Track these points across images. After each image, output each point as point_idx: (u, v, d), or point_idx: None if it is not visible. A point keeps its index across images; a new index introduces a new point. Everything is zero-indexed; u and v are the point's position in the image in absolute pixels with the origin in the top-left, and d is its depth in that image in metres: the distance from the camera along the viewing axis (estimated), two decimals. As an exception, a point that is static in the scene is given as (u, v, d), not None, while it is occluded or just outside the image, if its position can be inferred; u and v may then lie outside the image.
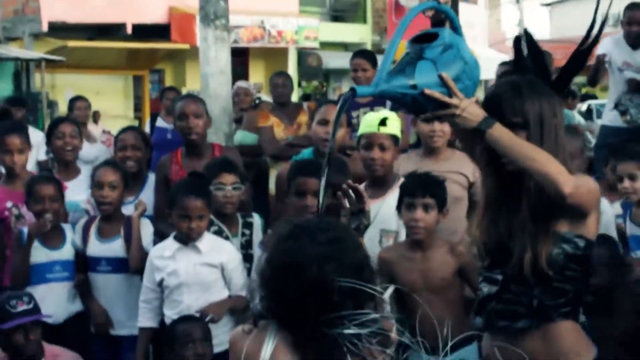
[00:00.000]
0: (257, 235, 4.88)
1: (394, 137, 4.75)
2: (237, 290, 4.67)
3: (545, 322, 3.07)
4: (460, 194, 4.99)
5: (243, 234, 4.87)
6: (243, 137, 7.12)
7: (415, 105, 3.09)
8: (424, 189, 4.31)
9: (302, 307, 2.46)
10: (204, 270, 4.58)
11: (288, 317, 2.53)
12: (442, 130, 5.11)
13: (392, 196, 4.72)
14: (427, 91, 2.96)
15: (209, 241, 4.62)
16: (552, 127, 3.08)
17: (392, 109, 6.00)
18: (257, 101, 8.39)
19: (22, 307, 4.50)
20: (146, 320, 4.64)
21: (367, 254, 2.59)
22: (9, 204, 5.36)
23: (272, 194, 5.79)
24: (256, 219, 4.97)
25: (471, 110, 2.97)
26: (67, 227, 5.27)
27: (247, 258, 4.77)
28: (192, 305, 4.53)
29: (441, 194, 4.37)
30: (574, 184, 2.89)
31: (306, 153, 5.33)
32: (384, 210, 4.70)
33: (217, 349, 4.40)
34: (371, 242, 4.66)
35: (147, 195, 5.51)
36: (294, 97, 15.16)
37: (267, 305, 2.57)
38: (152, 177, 5.65)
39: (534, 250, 3.02)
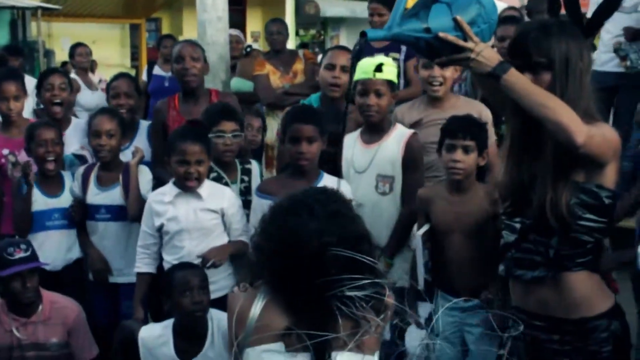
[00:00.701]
0: (255, 182, 4.84)
1: (390, 83, 4.71)
2: (237, 236, 4.64)
3: (561, 272, 3.06)
4: None
5: (242, 181, 4.83)
6: (238, 84, 7.06)
7: (429, 50, 3.04)
8: (464, 131, 4.30)
9: (299, 277, 2.52)
10: (204, 215, 4.55)
11: (284, 284, 2.59)
12: (442, 76, 5.06)
13: (388, 142, 4.75)
14: (442, 34, 2.92)
15: (209, 187, 4.58)
16: (578, 70, 3.02)
17: (408, 54, 5.96)
18: (247, 49, 8.34)
19: (19, 255, 4.50)
20: (144, 265, 4.61)
21: (365, 227, 2.62)
22: (5, 151, 5.33)
23: (267, 142, 5.74)
24: (254, 166, 4.94)
25: (486, 54, 2.92)
26: (66, 175, 5.25)
27: (246, 204, 4.72)
28: (193, 250, 4.50)
29: (482, 137, 4.36)
30: (587, 133, 2.83)
31: (313, 98, 5.27)
32: (380, 155, 4.73)
33: (217, 294, 4.40)
34: (367, 187, 4.72)
35: (141, 142, 5.48)
36: (292, 46, 15.05)
37: (263, 272, 2.65)
38: (144, 124, 5.63)
39: (554, 197, 2.98)
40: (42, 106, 5.95)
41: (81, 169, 5.20)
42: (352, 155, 4.81)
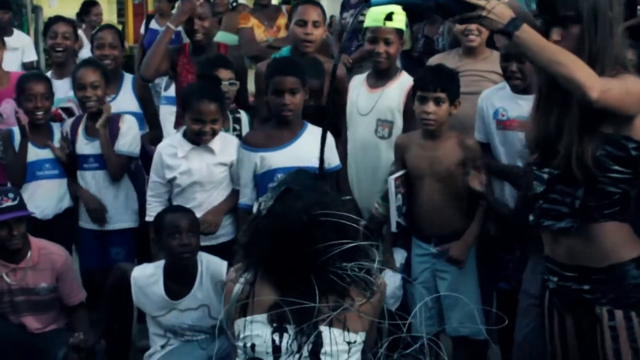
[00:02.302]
0: (245, 131, 4.90)
1: (398, 31, 4.78)
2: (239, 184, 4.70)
3: (587, 223, 3.01)
4: None
5: (234, 129, 4.88)
6: (223, 37, 7.04)
7: (439, 9, 2.96)
8: (435, 83, 4.35)
9: (289, 252, 2.69)
10: (216, 169, 4.61)
11: (274, 261, 2.76)
12: (477, 28, 4.99)
13: (392, 88, 4.85)
14: None
15: (220, 140, 4.62)
16: (607, 21, 2.93)
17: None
18: (234, 4, 8.34)
19: (6, 203, 4.56)
20: (156, 213, 4.58)
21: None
22: None
23: (251, 93, 5.75)
24: (243, 115, 4.99)
25: (498, 11, 2.83)
26: (55, 127, 5.28)
27: None
28: (204, 201, 4.58)
29: (453, 88, 4.40)
30: (602, 87, 2.77)
31: (284, 51, 5.29)
32: (382, 100, 4.83)
33: (220, 240, 4.59)
34: (367, 130, 4.85)
35: (127, 93, 5.53)
36: (275, 1, 14.96)
37: (255, 252, 2.83)
38: (128, 76, 5.67)
39: (580, 148, 2.92)
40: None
41: (70, 121, 5.23)
42: (357, 97, 4.91)
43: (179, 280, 4.29)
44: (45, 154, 5.17)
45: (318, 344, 2.76)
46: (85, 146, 5.12)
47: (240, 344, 2.86)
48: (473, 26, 4.90)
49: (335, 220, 2.63)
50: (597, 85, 2.76)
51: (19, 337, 4.68)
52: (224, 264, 4.28)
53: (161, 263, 4.33)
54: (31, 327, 4.72)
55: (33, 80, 5.16)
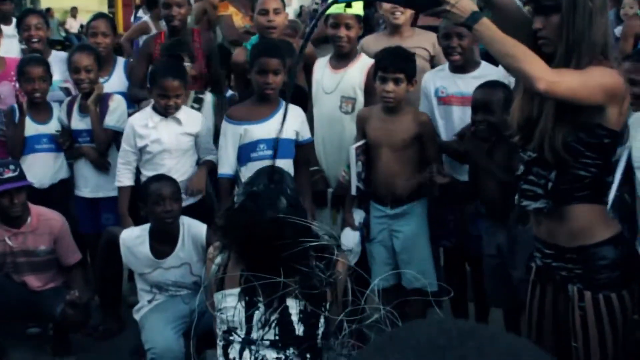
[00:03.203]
0: (207, 110, 5.21)
1: (357, 17, 5.07)
2: (206, 154, 5.08)
3: (560, 205, 3.01)
4: (423, 65, 5.26)
5: (192, 107, 5.19)
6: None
7: (409, 3, 3.10)
8: (394, 64, 4.65)
9: (258, 245, 2.89)
10: (183, 138, 4.96)
11: (246, 251, 2.97)
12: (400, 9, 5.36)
13: (353, 68, 5.15)
14: None
15: (185, 112, 4.98)
16: (586, 11, 2.88)
17: None
18: None
19: (8, 175, 4.85)
20: (126, 180, 4.97)
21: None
22: None
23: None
24: (208, 96, 5.28)
25: (461, 5, 2.85)
26: (54, 105, 5.55)
27: None
28: (172, 167, 4.91)
29: (410, 68, 4.71)
30: (552, 79, 2.76)
31: (253, 39, 5.60)
32: (345, 79, 5.13)
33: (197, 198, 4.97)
34: (332, 107, 5.16)
35: (119, 75, 5.83)
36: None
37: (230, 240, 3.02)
38: (120, 60, 5.98)
39: (552, 132, 2.92)
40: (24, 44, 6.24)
41: (67, 100, 5.53)
42: (322, 78, 5.22)
43: (163, 242, 4.59)
44: (44, 129, 5.47)
45: (286, 315, 2.95)
46: (79, 122, 5.44)
47: (218, 314, 3.09)
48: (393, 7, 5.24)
49: (294, 219, 2.80)
50: (546, 77, 2.75)
51: (21, 294, 4.95)
52: (203, 227, 4.62)
53: (147, 226, 4.63)
54: (32, 285, 5.00)
55: (32, 64, 5.43)
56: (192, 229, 4.63)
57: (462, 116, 4.80)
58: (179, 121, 4.91)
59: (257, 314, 2.88)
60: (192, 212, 4.78)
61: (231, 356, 2.83)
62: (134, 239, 4.65)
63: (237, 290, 2.98)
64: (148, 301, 4.70)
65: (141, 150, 4.93)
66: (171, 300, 4.67)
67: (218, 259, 3.09)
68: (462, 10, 2.85)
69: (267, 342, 2.80)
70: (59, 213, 5.15)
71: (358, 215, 4.88)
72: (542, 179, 3.02)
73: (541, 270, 3.17)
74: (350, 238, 4.83)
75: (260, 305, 2.90)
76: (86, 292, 4.92)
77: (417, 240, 4.80)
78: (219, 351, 2.86)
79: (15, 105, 5.43)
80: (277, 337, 2.82)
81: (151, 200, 4.53)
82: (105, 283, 5.04)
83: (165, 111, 4.87)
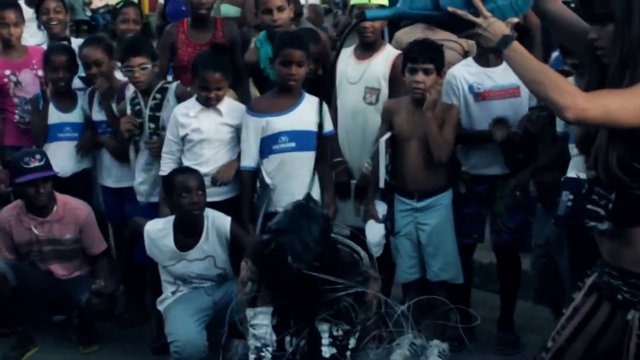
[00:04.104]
0: (172, 98, 5.04)
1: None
2: None
3: (622, 227, 2.80)
4: (455, 59, 5.19)
5: (154, 98, 5.04)
6: (226, 10, 7.22)
7: (441, 23, 2.98)
8: (424, 55, 4.59)
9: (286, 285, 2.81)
10: (223, 129, 4.85)
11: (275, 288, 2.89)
12: None
13: (378, 58, 5.06)
14: (451, 9, 2.80)
15: (228, 104, 4.88)
16: None
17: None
18: None
19: (34, 164, 4.84)
20: (168, 169, 4.83)
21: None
22: (7, 72, 5.60)
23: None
24: (172, 86, 5.11)
25: (492, 29, 2.76)
26: (80, 94, 5.49)
27: (154, 119, 5.02)
28: (211, 157, 4.82)
29: (439, 59, 4.65)
30: (581, 106, 2.61)
31: (261, 35, 5.51)
32: (370, 70, 5.04)
33: (226, 196, 4.83)
34: (356, 97, 5.08)
35: None
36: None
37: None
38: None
39: (605, 151, 2.73)
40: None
41: (88, 90, 5.46)
42: (346, 68, 5.13)
43: (187, 234, 4.57)
44: (67, 117, 5.42)
45: (316, 338, 2.92)
46: (98, 114, 5.38)
47: (251, 329, 3.06)
48: None
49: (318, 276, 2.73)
50: (575, 105, 2.62)
51: (47, 282, 4.97)
52: (227, 219, 4.59)
53: (171, 218, 4.60)
54: (57, 273, 5.01)
55: (57, 53, 5.37)
56: (217, 221, 4.60)
57: (503, 110, 4.73)
58: (219, 112, 4.82)
59: (288, 337, 2.86)
60: (224, 208, 4.72)
61: None
62: (158, 231, 4.62)
63: (269, 310, 2.96)
64: (172, 293, 4.68)
65: (183, 140, 4.85)
66: (195, 292, 4.66)
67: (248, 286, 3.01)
68: (493, 33, 2.76)
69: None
70: (85, 202, 5.13)
71: (381, 208, 4.82)
72: (604, 199, 2.83)
73: (600, 286, 2.97)
74: (374, 230, 4.77)
75: (291, 328, 2.88)
76: (111, 281, 4.91)
77: (443, 233, 4.75)
78: None
79: (40, 93, 5.38)
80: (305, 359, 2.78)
81: (177, 192, 4.49)
82: (129, 273, 5.01)
83: (207, 103, 4.78)
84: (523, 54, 2.73)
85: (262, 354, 2.82)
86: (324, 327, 2.86)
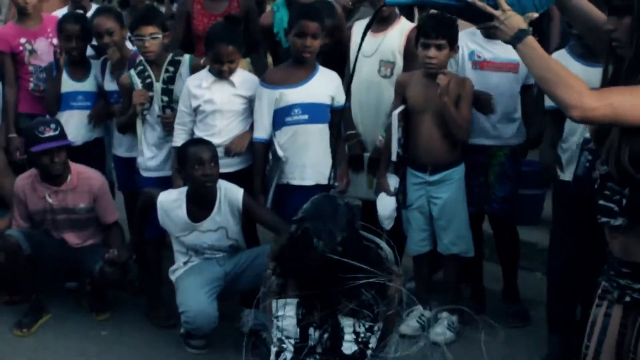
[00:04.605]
0: (184, 71, 5.02)
1: None
2: None
3: (637, 223, 2.71)
4: None
5: (167, 70, 5.01)
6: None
7: (460, 13, 2.97)
8: (437, 31, 4.55)
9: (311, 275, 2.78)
10: (236, 100, 4.82)
11: (299, 278, 2.87)
12: None
13: (393, 31, 5.04)
14: (470, 0, 2.78)
15: (241, 76, 4.85)
16: None
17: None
18: None
19: (48, 133, 4.83)
20: (181, 140, 4.83)
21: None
22: (22, 40, 5.58)
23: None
24: (185, 58, 5.10)
25: (509, 22, 2.72)
26: (94, 63, 5.47)
27: (166, 92, 4.99)
28: (224, 128, 4.80)
29: (452, 34, 4.61)
30: (588, 105, 2.55)
31: (279, 1, 5.48)
32: (385, 43, 5.02)
33: (238, 167, 4.82)
34: (371, 70, 5.06)
35: None
36: None
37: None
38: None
39: (617, 145, 2.65)
40: None
41: (100, 60, 5.44)
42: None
43: (200, 205, 4.58)
44: (80, 86, 5.41)
45: (339, 333, 2.87)
46: (110, 83, 5.35)
47: (275, 321, 2.99)
48: None
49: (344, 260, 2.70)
50: (581, 104, 2.56)
51: (61, 250, 5.00)
52: (240, 191, 4.59)
53: (184, 189, 4.61)
54: (71, 242, 5.03)
55: (71, 22, 5.34)
56: (229, 193, 4.61)
57: (498, 83, 4.72)
58: (232, 83, 4.80)
59: (312, 329, 2.83)
60: (236, 179, 4.71)
61: None
62: (171, 202, 4.63)
63: (294, 301, 2.92)
64: (184, 263, 4.72)
65: (195, 111, 4.83)
66: (206, 263, 4.69)
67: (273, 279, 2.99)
68: (509, 27, 2.71)
69: (318, 357, 2.75)
70: (99, 172, 5.15)
71: (393, 181, 4.81)
72: (617, 194, 2.74)
73: (609, 290, 2.87)
74: (386, 203, 4.77)
75: (315, 320, 2.84)
76: (124, 250, 4.92)
77: (455, 206, 4.75)
78: (272, 357, 2.82)
79: (54, 62, 5.36)
80: (327, 354, 2.77)
81: (190, 164, 4.49)
82: (142, 242, 5.00)
83: (219, 75, 4.76)
84: (536, 50, 2.68)
85: (284, 345, 2.81)
86: (347, 322, 2.84)
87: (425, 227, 4.80)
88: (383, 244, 2.83)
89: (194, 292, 4.51)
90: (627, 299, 2.75)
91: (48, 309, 5.09)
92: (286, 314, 2.87)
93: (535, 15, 2.79)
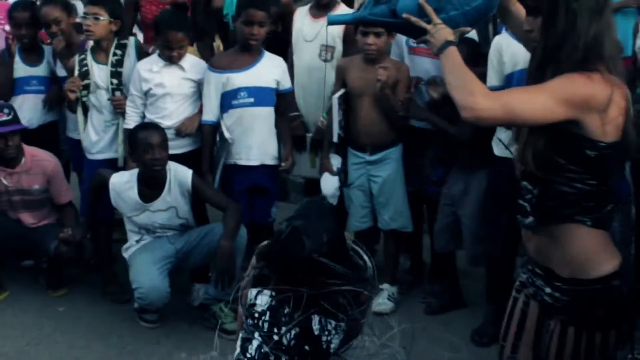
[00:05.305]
0: (130, 54, 5.11)
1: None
2: None
3: (546, 223, 2.70)
4: None
5: (114, 54, 5.10)
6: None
7: (398, 28, 3.12)
8: None
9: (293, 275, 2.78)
10: (185, 83, 4.96)
11: (282, 275, 2.83)
12: None
13: None
14: (405, 15, 2.87)
15: (189, 60, 4.99)
16: (569, 13, 2.58)
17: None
18: None
19: (2, 118, 4.95)
20: (133, 122, 4.94)
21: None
22: None
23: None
24: (131, 41, 5.20)
25: (437, 35, 2.78)
26: (47, 49, 5.55)
27: (115, 75, 5.08)
28: (174, 111, 4.94)
29: None
30: (480, 106, 2.55)
31: None
32: (325, 28, 5.07)
33: (187, 149, 4.96)
34: (312, 55, 5.23)
35: None
36: None
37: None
38: None
39: (524, 143, 2.67)
40: None
41: (51, 47, 5.50)
42: (302, 27, 5.28)
43: (150, 186, 4.71)
44: (34, 71, 5.50)
45: (308, 326, 2.85)
46: (61, 69, 5.43)
47: (247, 309, 2.97)
48: None
49: (330, 264, 2.72)
50: (471, 105, 2.57)
51: (17, 230, 5.11)
52: (189, 172, 4.74)
53: (135, 171, 4.73)
54: (27, 222, 5.15)
55: (19, 9, 5.41)
56: (179, 174, 4.75)
57: (430, 69, 4.86)
58: (182, 68, 4.94)
59: (283, 320, 2.82)
60: (185, 160, 4.86)
61: (248, 351, 2.88)
62: (123, 183, 4.76)
63: (269, 292, 2.87)
64: (136, 241, 4.86)
65: (146, 94, 4.96)
66: (158, 241, 4.83)
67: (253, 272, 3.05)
68: (436, 40, 2.80)
69: (284, 348, 2.83)
70: (52, 154, 5.25)
71: (335, 161, 5.00)
72: (529, 193, 2.75)
73: (526, 284, 2.89)
74: (329, 182, 4.95)
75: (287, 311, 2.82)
76: (79, 229, 5.04)
77: (393, 184, 4.95)
78: (239, 342, 2.91)
79: (5, 48, 5.45)
80: (292, 344, 2.85)
81: (140, 148, 4.61)
82: (95, 222, 5.12)
83: (169, 60, 4.90)
84: (453, 60, 2.72)
85: (254, 334, 2.91)
86: (316, 318, 2.82)
87: (366, 205, 5.01)
88: (363, 253, 2.94)
89: (146, 269, 4.66)
90: (539, 298, 2.79)
91: (6, 286, 5.21)
92: (259, 302, 2.87)
93: (469, 29, 2.92)
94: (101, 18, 4.95)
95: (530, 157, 2.65)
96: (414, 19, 2.86)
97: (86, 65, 5.07)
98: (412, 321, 4.58)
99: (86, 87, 5.07)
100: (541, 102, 2.54)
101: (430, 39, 2.81)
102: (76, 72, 5.07)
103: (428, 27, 2.83)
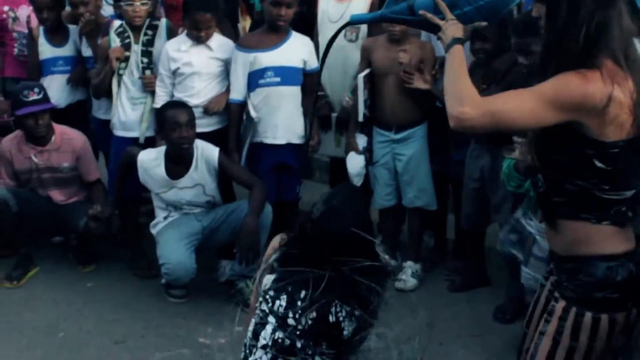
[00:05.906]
0: (161, 34, 5.16)
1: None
2: None
3: (552, 217, 2.67)
4: None
5: (146, 34, 5.15)
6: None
7: (418, 25, 3.09)
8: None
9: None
10: (213, 62, 4.99)
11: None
12: None
13: None
14: (422, 12, 2.87)
15: (217, 40, 5.02)
16: (572, 3, 2.47)
17: None
18: None
19: (32, 97, 4.99)
20: (161, 101, 4.98)
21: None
22: (5, 8, 5.73)
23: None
24: (162, 22, 5.25)
25: (448, 31, 2.75)
26: (72, 29, 5.58)
27: (146, 54, 5.13)
28: (202, 90, 4.97)
29: None
30: (465, 116, 2.48)
31: None
32: (350, 9, 5.13)
33: (214, 127, 4.99)
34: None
35: None
36: None
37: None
38: None
39: (534, 136, 2.65)
40: None
41: (78, 27, 5.48)
42: (327, 7, 5.28)
43: (178, 164, 4.76)
44: (60, 52, 5.55)
45: (325, 313, 2.83)
46: (87, 49, 5.48)
47: (263, 295, 2.97)
48: None
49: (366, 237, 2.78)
50: (457, 113, 2.50)
51: (47, 207, 5.17)
52: (216, 150, 4.78)
53: (163, 148, 4.79)
54: (56, 199, 5.21)
55: None
56: (206, 152, 4.79)
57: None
58: (209, 47, 4.97)
59: (299, 304, 2.80)
60: (213, 138, 4.89)
61: (261, 335, 2.86)
62: (151, 160, 4.81)
63: (287, 278, 2.88)
64: (164, 218, 4.90)
65: (174, 73, 4.99)
66: (185, 217, 4.87)
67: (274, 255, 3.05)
68: (447, 35, 2.76)
69: (299, 332, 2.81)
70: (81, 132, 5.30)
71: (361, 140, 5.02)
72: (539, 187, 2.74)
73: (553, 272, 2.81)
74: (355, 162, 4.97)
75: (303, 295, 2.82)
76: (107, 206, 5.10)
77: (418, 162, 4.96)
78: (251, 327, 2.89)
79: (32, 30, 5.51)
80: (309, 329, 2.83)
81: (168, 126, 4.66)
82: (123, 199, 5.17)
83: (197, 40, 4.93)
84: (454, 62, 2.66)
85: (269, 318, 2.89)
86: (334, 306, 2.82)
87: (391, 182, 5.02)
88: (387, 255, 2.95)
89: (173, 245, 4.70)
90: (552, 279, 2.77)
91: (36, 262, 5.28)
92: (276, 287, 2.87)
93: (483, 24, 2.86)
94: (148, 2, 5.05)
95: (535, 154, 2.66)
96: (429, 15, 2.85)
97: (128, 37, 5.12)
98: (435, 298, 4.75)
99: (126, 59, 5.11)
100: (529, 108, 2.46)
101: (441, 36, 2.79)
102: (119, 43, 5.10)
103: (441, 23, 2.80)
